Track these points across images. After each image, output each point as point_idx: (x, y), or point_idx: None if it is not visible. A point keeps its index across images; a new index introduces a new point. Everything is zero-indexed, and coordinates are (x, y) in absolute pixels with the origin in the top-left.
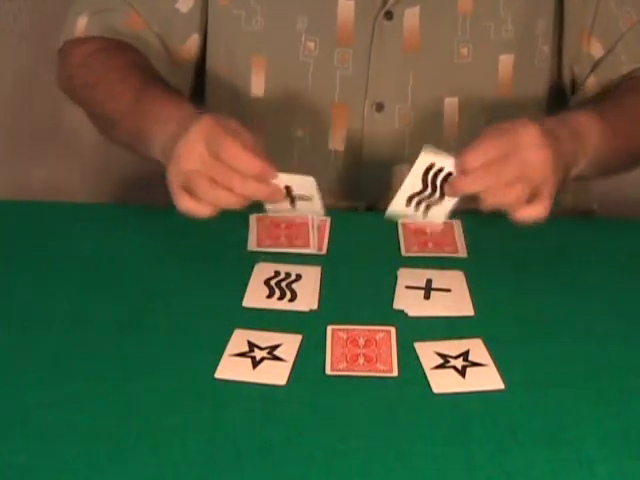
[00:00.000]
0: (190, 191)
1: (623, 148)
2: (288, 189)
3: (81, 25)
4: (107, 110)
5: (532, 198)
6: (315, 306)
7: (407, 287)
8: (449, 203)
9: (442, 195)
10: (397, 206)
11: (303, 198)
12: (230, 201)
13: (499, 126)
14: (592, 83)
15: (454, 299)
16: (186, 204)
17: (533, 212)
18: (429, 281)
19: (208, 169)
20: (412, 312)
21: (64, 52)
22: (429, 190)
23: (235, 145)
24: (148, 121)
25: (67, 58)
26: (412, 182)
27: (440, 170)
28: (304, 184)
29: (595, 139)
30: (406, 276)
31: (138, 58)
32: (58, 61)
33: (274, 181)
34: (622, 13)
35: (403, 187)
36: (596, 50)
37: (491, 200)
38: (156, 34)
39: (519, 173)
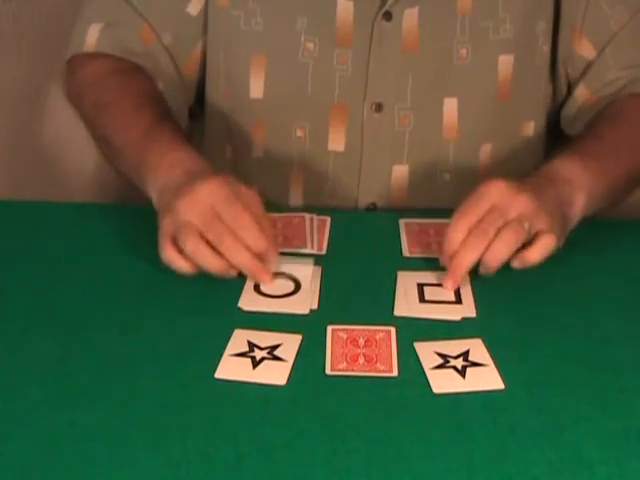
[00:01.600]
0: (177, 243)
1: (617, 177)
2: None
3: (91, 39)
4: (113, 136)
5: (535, 239)
6: (315, 306)
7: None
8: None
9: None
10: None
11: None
12: (214, 265)
13: (468, 197)
14: (582, 90)
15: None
16: (170, 255)
17: (542, 248)
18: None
19: (205, 225)
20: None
21: (74, 65)
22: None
23: (246, 215)
24: (153, 159)
25: (78, 73)
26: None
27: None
28: (301, 269)
29: (584, 183)
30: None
31: (152, 88)
32: (67, 73)
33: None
34: (613, 13)
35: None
36: (587, 50)
37: (491, 257)
38: (165, 46)
39: (503, 219)
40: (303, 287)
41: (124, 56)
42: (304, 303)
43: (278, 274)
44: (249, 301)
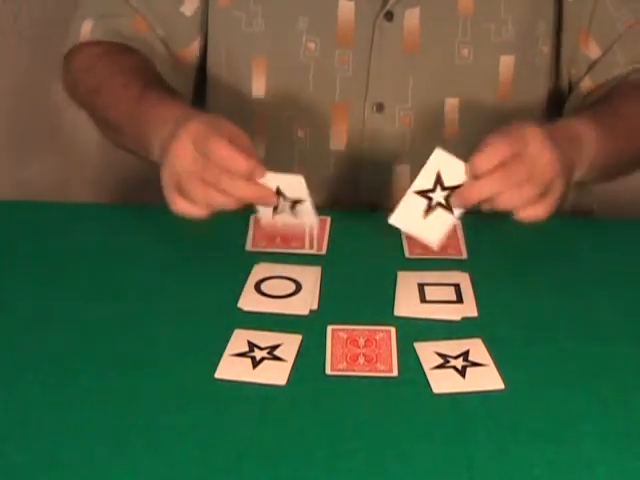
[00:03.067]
0: (183, 192)
1: (621, 152)
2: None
3: (86, 30)
4: (110, 115)
5: (538, 199)
6: (315, 306)
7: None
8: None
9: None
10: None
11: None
12: (222, 202)
13: (504, 129)
14: (587, 84)
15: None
16: (180, 206)
17: (536, 212)
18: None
19: (199, 169)
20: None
21: (69, 58)
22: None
23: (222, 145)
24: (148, 124)
25: (72, 63)
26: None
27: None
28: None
29: (592, 144)
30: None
31: (141, 61)
32: (63, 67)
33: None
34: (620, 15)
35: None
36: (593, 51)
37: (501, 203)
38: (160, 38)
39: (529, 174)
40: (303, 288)
41: (117, 41)
42: (304, 304)
43: (280, 277)
44: (249, 301)
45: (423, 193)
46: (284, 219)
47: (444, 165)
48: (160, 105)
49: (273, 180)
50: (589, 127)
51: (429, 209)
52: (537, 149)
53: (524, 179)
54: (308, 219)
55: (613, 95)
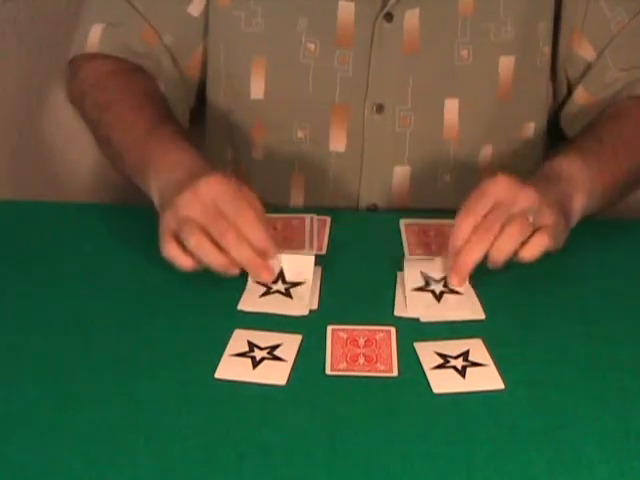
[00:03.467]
0: (179, 238)
1: (614, 173)
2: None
3: (93, 39)
4: (114, 137)
5: (533, 233)
6: (315, 306)
7: (414, 290)
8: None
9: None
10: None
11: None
12: (217, 261)
13: (468, 198)
14: (581, 94)
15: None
16: (172, 251)
17: (538, 245)
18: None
19: (207, 220)
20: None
21: (75, 66)
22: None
23: (250, 211)
24: (154, 159)
25: (79, 73)
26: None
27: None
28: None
29: (581, 173)
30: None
31: (153, 87)
32: (69, 74)
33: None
34: (614, 15)
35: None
36: (586, 52)
37: (497, 253)
38: (167, 47)
39: (509, 215)
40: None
41: (126, 57)
42: (303, 305)
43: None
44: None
45: (421, 289)
46: (270, 303)
47: (422, 267)
48: (173, 144)
49: (282, 260)
50: (572, 159)
51: (439, 297)
52: (507, 191)
53: (507, 222)
54: (299, 306)
55: (596, 124)
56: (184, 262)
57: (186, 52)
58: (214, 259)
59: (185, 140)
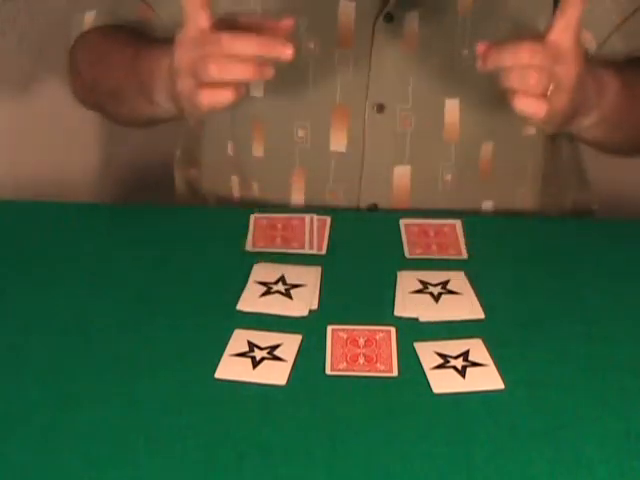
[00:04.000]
0: (200, 78)
1: (635, 114)
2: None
3: (89, 19)
4: (110, 82)
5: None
6: (315, 306)
7: (412, 292)
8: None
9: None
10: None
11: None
12: (246, 71)
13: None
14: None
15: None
16: (208, 97)
17: (534, 105)
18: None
19: (210, 45)
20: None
21: (73, 51)
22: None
23: (240, 34)
24: (148, 70)
25: (73, 54)
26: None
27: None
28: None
29: (612, 92)
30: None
31: (139, 32)
32: (68, 61)
33: None
34: (615, 6)
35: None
36: (587, 42)
37: (509, 80)
38: (162, 22)
39: (547, 64)
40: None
41: (117, 23)
42: (303, 305)
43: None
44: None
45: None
46: (270, 303)
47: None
48: (159, 50)
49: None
50: (612, 77)
51: (437, 297)
52: (566, 53)
53: (538, 65)
54: (299, 306)
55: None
56: (224, 96)
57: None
58: (243, 70)
59: (167, 42)
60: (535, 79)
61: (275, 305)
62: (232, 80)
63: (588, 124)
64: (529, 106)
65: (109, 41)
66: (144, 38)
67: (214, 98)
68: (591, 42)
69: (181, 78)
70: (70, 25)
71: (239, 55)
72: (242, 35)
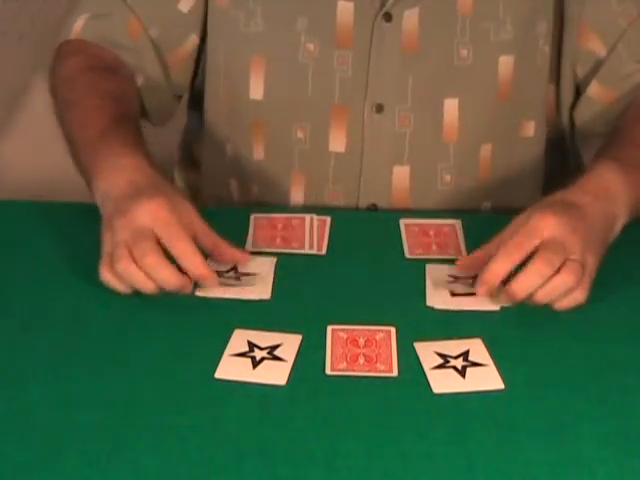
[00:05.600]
0: (112, 262)
1: None
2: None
3: (77, 27)
4: (72, 133)
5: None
6: (268, 295)
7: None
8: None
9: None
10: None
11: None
12: (144, 285)
13: (514, 224)
14: (595, 89)
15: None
16: (105, 276)
17: (573, 300)
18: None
19: (133, 243)
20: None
21: (57, 58)
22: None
23: (183, 239)
24: (100, 162)
25: (57, 68)
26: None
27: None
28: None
29: (622, 187)
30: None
31: (120, 88)
32: (51, 65)
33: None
34: (622, 9)
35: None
36: (596, 46)
37: (546, 294)
38: (152, 40)
39: (563, 255)
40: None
41: (106, 46)
42: (264, 289)
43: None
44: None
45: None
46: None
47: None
48: (119, 148)
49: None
50: (614, 170)
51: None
52: (556, 232)
53: (560, 263)
54: (261, 289)
55: (624, 124)
56: (117, 286)
57: (172, 47)
58: (140, 283)
59: (135, 143)
60: (561, 286)
61: (233, 290)
62: (132, 284)
63: (621, 227)
64: (569, 304)
65: (91, 87)
66: (124, 102)
67: (109, 282)
68: (600, 47)
69: (107, 240)
70: (65, 23)
71: (145, 271)
72: (156, 262)
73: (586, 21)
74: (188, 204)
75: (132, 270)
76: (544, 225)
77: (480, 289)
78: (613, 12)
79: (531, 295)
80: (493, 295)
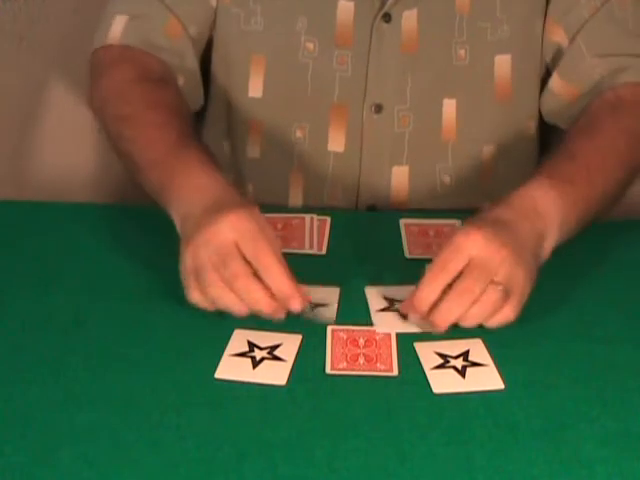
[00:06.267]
0: (199, 283)
1: (588, 199)
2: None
3: (116, 31)
4: (136, 152)
5: (503, 302)
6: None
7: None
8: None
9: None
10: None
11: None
12: (238, 309)
13: (442, 250)
14: (557, 81)
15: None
16: (196, 298)
17: (503, 318)
18: None
19: (223, 263)
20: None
21: (100, 66)
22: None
23: (269, 253)
24: (177, 181)
25: (101, 80)
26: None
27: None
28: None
29: (557, 209)
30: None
31: (177, 101)
32: (91, 77)
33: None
34: (587, 0)
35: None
36: (558, 36)
37: (470, 320)
38: (193, 39)
39: (488, 279)
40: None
41: (148, 50)
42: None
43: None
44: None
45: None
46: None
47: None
48: (196, 167)
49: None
50: (547, 191)
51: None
52: (483, 250)
53: (481, 290)
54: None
55: (569, 139)
56: (207, 307)
57: (205, 43)
58: (236, 309)
59: (210, 162)
60: (486, 308)
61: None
62: (218, 305)
63: (552, 246)
64: (499, 322)
65: (145, 101)
66: (182, 114)
67: (201, 305)
68: (563, 37)
69: (187, 259)
70: (99, 21)
71: (236, 294)
72: (247, 286)
73: (553, 12)
74: (268, 222)
75: (226, 297)
76: (469, 242)
77: (411, 317)
78: (578, 3)
79: (456, 322)
80: (426, 320)
